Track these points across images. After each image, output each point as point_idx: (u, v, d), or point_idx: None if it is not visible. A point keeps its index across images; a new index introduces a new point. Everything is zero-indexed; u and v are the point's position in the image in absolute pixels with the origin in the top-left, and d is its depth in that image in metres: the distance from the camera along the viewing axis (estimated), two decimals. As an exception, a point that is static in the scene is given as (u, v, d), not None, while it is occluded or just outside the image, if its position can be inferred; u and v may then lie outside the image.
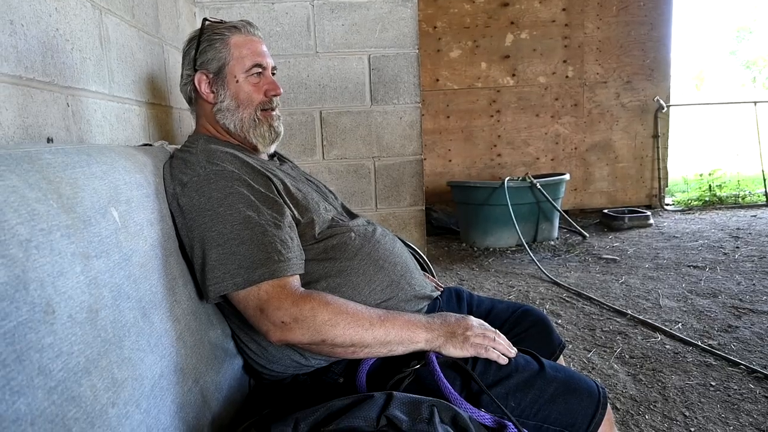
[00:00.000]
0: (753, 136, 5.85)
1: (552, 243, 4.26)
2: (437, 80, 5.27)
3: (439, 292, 1.22)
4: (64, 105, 1.09)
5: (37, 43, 1.00)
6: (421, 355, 0.97)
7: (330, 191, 1.31)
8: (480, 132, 5.38)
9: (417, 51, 2.31)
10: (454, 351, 0.95)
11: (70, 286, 0.61)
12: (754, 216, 4.83)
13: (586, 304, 2.80)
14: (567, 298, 2.91)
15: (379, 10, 2.27)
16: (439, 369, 0.91)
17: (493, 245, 4.21)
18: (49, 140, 1.03)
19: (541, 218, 4.21)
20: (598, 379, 1.96)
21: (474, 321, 1.00)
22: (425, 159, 4.88)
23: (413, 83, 2.31)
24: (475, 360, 0.96)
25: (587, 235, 4.40)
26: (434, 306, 1.16)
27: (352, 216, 1.24)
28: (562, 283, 3.17)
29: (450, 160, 5.39)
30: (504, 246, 4.19)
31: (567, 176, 4.42)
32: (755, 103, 5.96)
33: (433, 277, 1.49)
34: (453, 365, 0.95)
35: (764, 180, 5.62)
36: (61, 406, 0.55)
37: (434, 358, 0.94)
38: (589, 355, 2.19)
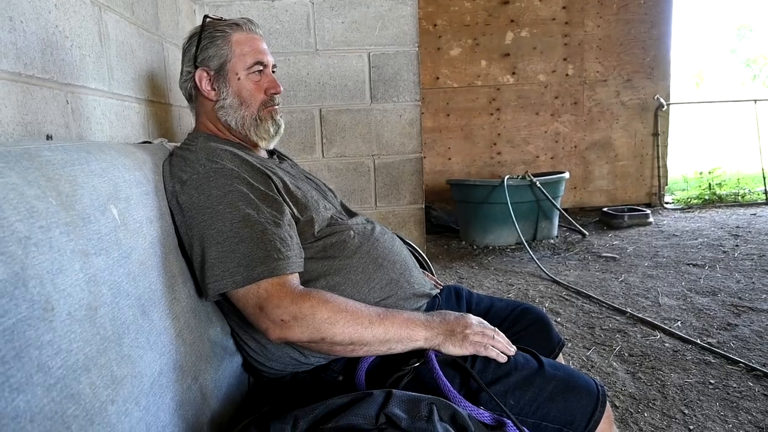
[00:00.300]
0: (753, 134, 5.84)
1: (551, 241, 4.26)
2: (437, 78, 5.26)
3: (439, 290, 1.22)
4: (63, 102, 1.09)
5: (36, 40, 1.00)
6: (420, 354, 0.97)
7: (329, 189, 1.31)
8: (480, 130, 5.38)
9: (417, 49, 2.30)
10: (454, 349, 0.95)
11: (69, 284, 0.61)
12: (754, 214, 4.84)
13: (585, 303, 2.80)
14: (566, 297, 2.91)
15: (379, 8, 2.26)
16: (438, 367, 0.91)
17: (493, 243, 4.21)
18: (49, 137, 1.03)
19: (541, 217, 4.21)
20: (598, 377, 1.96)
21: (473, 319, 1.00)
22: (425, 157, 4.88)
23: (413, 81, 2.31)
24: (474, 358, 0.96)
25: (587, 233, 4.40)
26: (433, 304, 1.16)
27: (351, 214, 1.24)
28: (561, 281, 3.17)
29: (450, 159, 5.39)
30: (503, 244, 4.19)
31: (566, 175, 4.42)
32: (755, 101, 5.96)
33: (433, 275, 1.49)
34: (452, 363, 0.95)
35: (764, 178, 5.62)
36: (60, 404, 0.55)
37: (433, 356, 0.94)
38: (588, 353, 2.19)
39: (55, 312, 0.58)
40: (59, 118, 1.07)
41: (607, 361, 2.11)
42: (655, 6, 5.26)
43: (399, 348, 0.96)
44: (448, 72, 5.27)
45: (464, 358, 0.95)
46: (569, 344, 2.28)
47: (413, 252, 1.47)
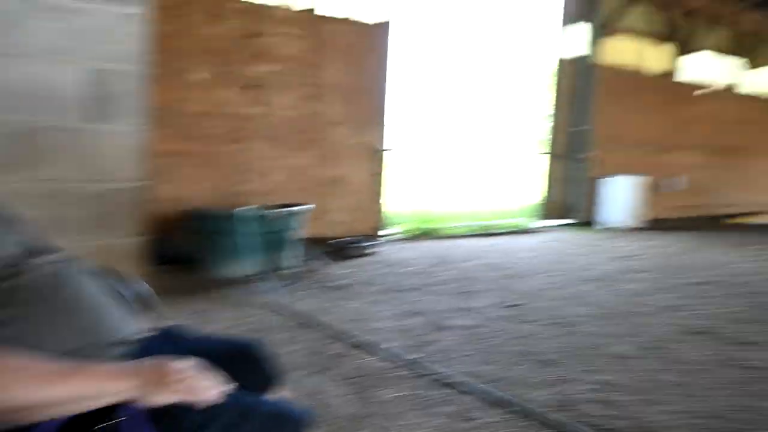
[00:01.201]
0: (462, 176, 7.15)
1: (288, 272, 4.40)
2: (177, 102, 5.01)
3: (150, 334, 1.15)
4: None
5: None
6: (123, 406, 0.89)
7: (16, 222, 1.11)
8: (223, 159, 5.29)
9: (145, 69, 2.17)
10: (155, 398, 0.89)
11: None
12: (453, 245, 5.88)
13: (313, 331, 2.97)
14: (296, 326, 3.04)
15: (107, 20, 2.07)
16: (140, 420, 0.86)
17: (232, 275, 4.14)
18: None
19: (280, 248, 4.33)
20: (312, 404, 2.06)
21: (176, 364, 0.95)
22: (160, 185, 4.55)
23: (141, 103, 2.16)
24: (180, 406, 0.92)
25: (322, 263, 4.70)
26: (143, 349, 1.08)
27: (41, 252, 1.07)
28: (295, 310, 3.30)
29: (191, 187, 5.14)
30: (242, 276, 4.16)
31: (306, 207, 4.66)
32: (463, 148, 7.31)
33: (155, 314, 1.39)
34: (156, 414, 0.90)
35: (464, 215, 6.90)
36: None
37: (135, 408, 0.88)
38: (309, 380, 2.30)
39: None
40: None
41: (326, 386, 2.26)
42: (380, 58, 6.05)
43: (94, 404, 0.86)
44: (192, 97, 5.06)
45: (168, 407, 0.91)
46: (294, 373, 2.36)
47: (127, 291, 1.35)
